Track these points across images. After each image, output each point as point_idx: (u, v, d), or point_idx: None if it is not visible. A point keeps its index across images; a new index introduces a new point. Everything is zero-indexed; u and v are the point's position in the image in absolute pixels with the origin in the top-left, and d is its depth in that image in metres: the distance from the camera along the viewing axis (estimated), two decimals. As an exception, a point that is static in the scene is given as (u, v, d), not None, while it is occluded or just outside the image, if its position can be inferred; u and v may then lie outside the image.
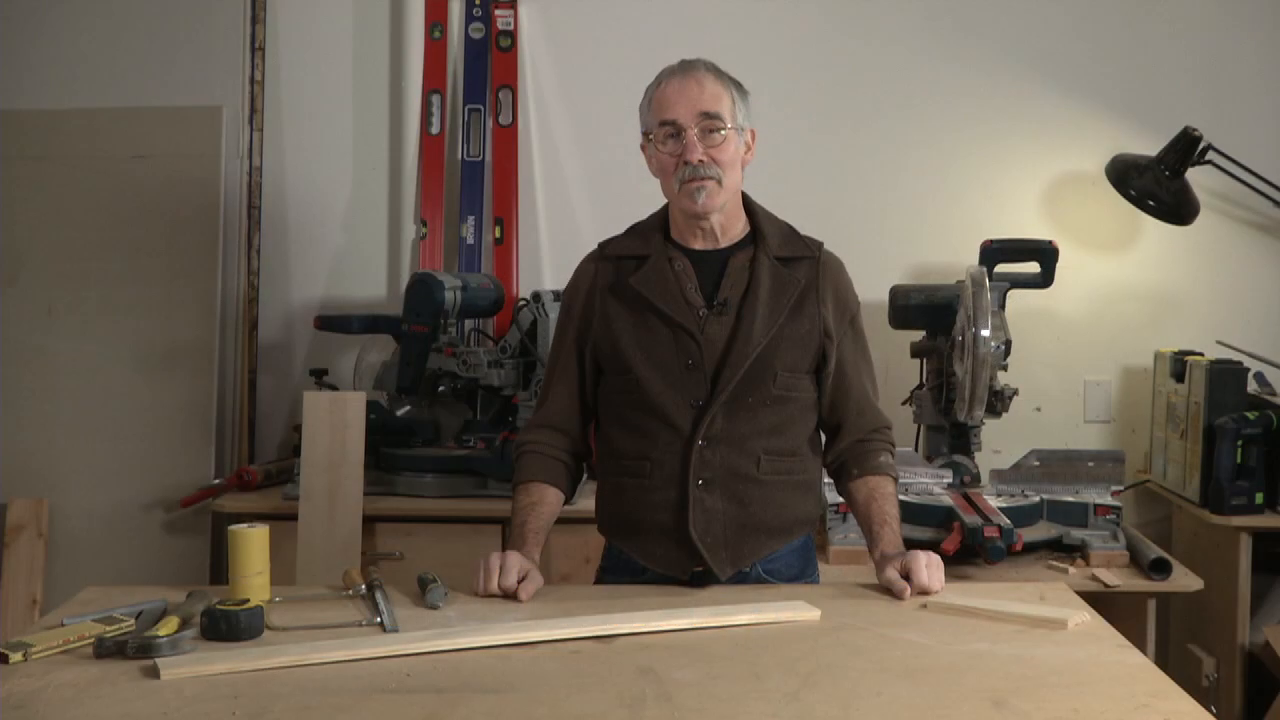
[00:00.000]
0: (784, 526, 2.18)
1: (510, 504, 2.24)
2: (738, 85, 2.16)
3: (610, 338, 2.17)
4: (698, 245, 2.18)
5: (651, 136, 2.13)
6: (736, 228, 2.20)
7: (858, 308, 2.26)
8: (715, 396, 2.10)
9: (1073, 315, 3.63)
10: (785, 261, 2.17)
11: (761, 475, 2.14)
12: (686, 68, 2.13)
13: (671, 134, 2.10)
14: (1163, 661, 3.15)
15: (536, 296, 3.36)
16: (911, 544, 2.88)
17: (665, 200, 2.22)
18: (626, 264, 2.19)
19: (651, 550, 2.15)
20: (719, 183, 2.11)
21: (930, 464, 3.09)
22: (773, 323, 2.12)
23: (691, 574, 2.13)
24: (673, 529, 2.12)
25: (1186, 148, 3.33)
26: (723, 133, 2.10)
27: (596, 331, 2.19)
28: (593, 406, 2.26)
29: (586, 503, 2.33)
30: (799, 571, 2.24)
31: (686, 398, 2.11)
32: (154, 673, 1.65)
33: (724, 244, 2.18)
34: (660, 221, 2.23)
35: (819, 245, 2.23)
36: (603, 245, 2.25)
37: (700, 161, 2.09)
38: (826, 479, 2.33)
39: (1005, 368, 3.11)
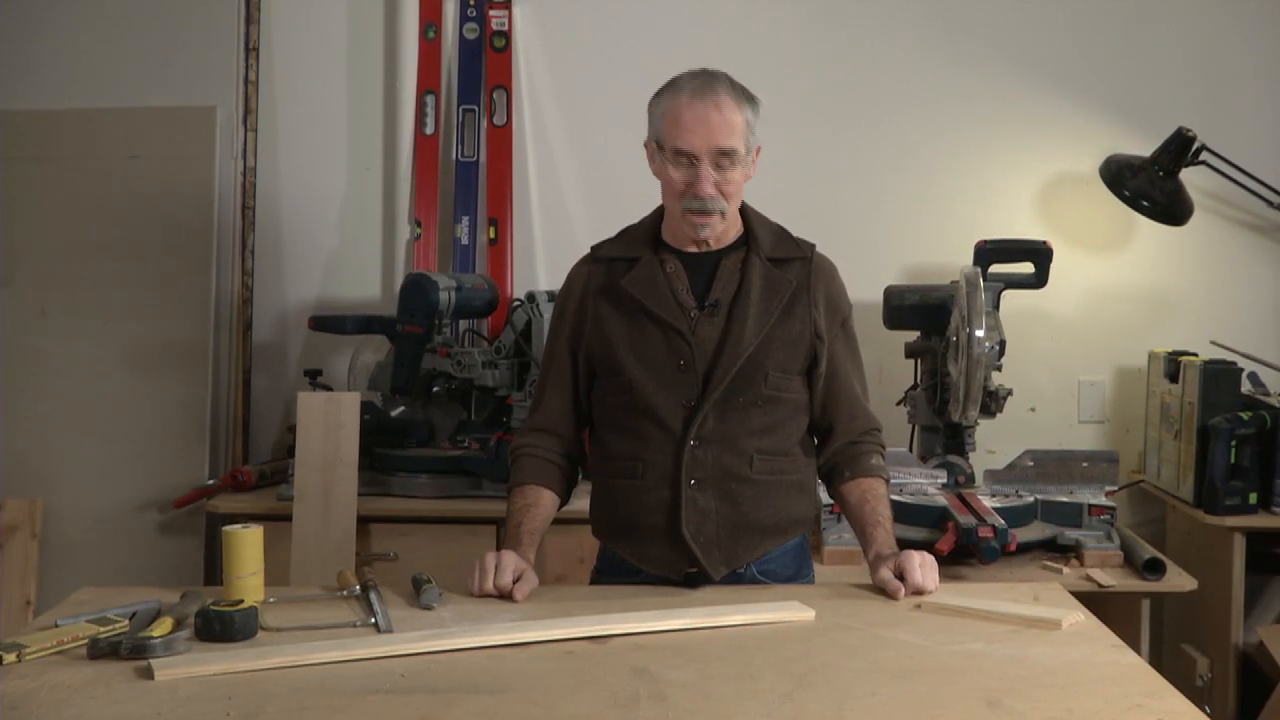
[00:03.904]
0: (778, 526, 2.18)
1: (505, 505, 2.24)
2: (751, 102, 2.12)
3: (602, 340, 2.17)
4: (690, 248, 2.18)
5: (662, 152, 2.10)
6: (730, 232, 2.19)
7: (849, 310, 2.26)
8: (707, 397, 2.10)
9: (1067, 315, 3.64)
10: (777, 263, 2.17)
11: (755, 475, 2.13)
12: (706, 87, 2.07)
13: (683, 160, 2.08)
14: (1157, 661, 3.15)
15: (531, 297, 3.36)
16: (906, 544, 2.88)
17: (660, 201, 2.22)
18: (618, 266, 2.19)
19: (645, 551, 2.15)
20: (723, 215, 2.12)
21: (924, 464, 3.09)
22: (764, 323, 2.12)
23: (685, 575, 2.13)
24: (666, 530, 2.12)
25: (1180, 148, 3.34)
26: (735, 166, 2.08)
27: (589, 334, 2.19)
28: (587, 410, 2.26)
29: (581, 503, 2.32)
30: (794, 572, 2.24)
31: (678, 398, 2.11)
32: (148, 674, 1.65)
33: (716, 247, 2.18)
34: (653, 224, 2.22)
35: (811, 247, 2.23)
36: (595, 248, 2.25)
37: (710, 196, 2.08)
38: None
39: (999, 368, 3.11)
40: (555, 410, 2.25)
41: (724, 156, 2.07)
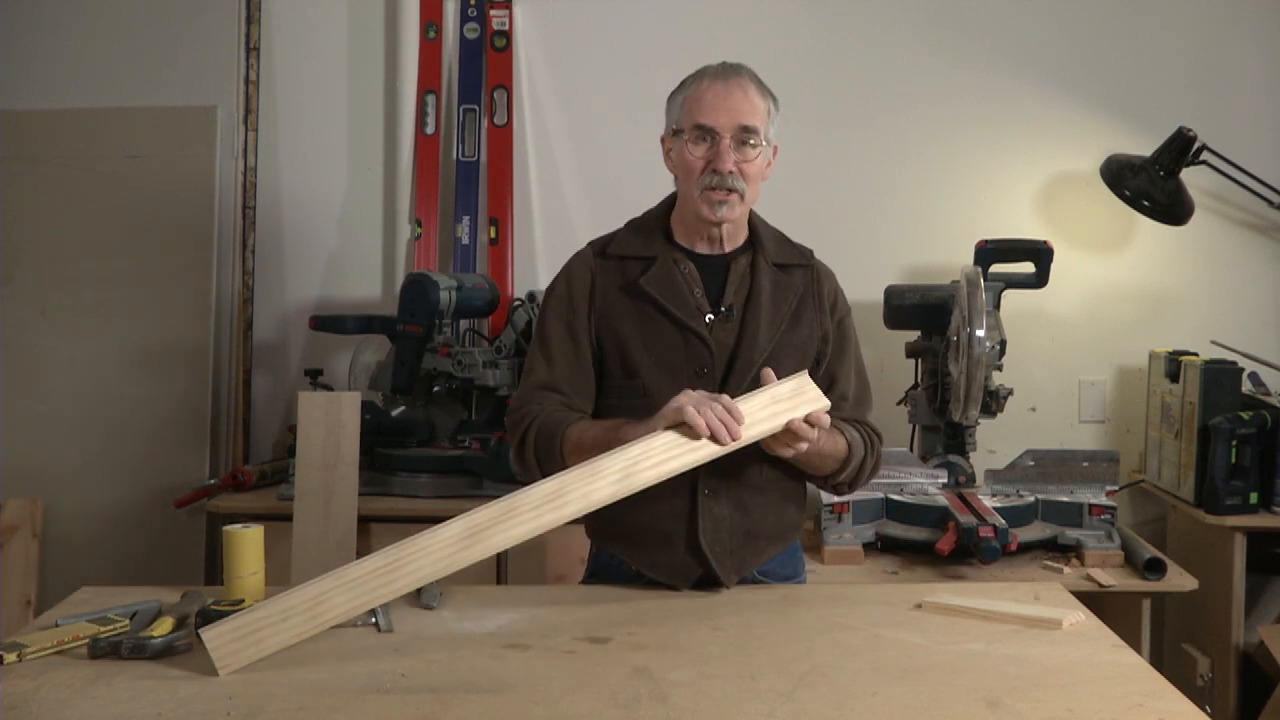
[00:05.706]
0: (782, 533, 2.18)
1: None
2: (773, 98, 2.13)
3: (617, 339, 2.12)
4: (702, 249, 2.16)
5: (682, 135, 2.09)
6: (740, 234, 2.18)
7: (847, 311, 2.25)
8: None
9: (1067, 315, 3.63)
10: (782, 268, 2.17)
11: (764, 483, 2.12)
12: (730, 73, 2.09)
13: (704, 138, 2.07)
14: (1157, 661, 3.15)
15: (531, 297, 3.36)
16: (906, 544, 2.90)
17: (661, 198, 2.21)
18: (631, 264, 2.15)
19: (654, 559, 2.10)
20: (741, 196, 2.09)
21: (925, 464, 3.09)
22: (775, 329, 2.11)
23: (694, 582, 2.10)
24: (681, 537, 2.08)
25: (1181, 148, 3.34)
26: (756, 147, 2.08)
27: (601, 330, 2.13)
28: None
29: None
30: (792, 571, 2.25)
31: None
32: (212, 670, 1.66)
33: (729, 248, 2.16)
34: (662, 220, 2.19)
35: (810, 253, 2.23)
36: (603, 243, 2.19)
37: (730, 172, 2.06)
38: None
39: (1000, 368, 3.11)
40: (584, 400, 2.13)
41: (746, 133, 2.06)
